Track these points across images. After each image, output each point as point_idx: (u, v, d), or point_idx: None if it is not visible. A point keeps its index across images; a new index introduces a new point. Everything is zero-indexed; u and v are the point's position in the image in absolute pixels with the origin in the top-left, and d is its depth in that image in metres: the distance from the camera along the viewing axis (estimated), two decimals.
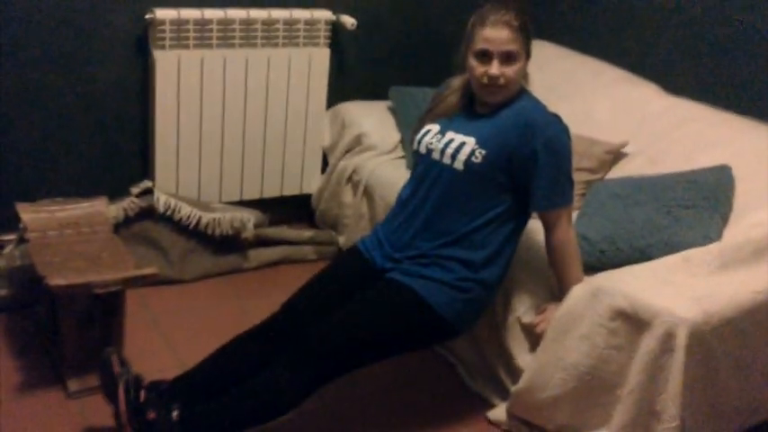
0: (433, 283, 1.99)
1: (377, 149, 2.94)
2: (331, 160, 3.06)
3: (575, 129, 2.67)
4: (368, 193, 2.84)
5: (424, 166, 2.10)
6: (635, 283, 1.90)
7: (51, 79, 2.62)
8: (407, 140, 2.87)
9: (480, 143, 2.00)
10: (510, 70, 1.99)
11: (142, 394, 1.85)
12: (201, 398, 1.92)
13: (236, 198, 2.95)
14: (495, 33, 1.97)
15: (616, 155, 2.59)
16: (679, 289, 1.87)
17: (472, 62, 2.01)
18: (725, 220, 2.18)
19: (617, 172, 2.56)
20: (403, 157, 2.93)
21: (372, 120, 3.02)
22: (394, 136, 2.99)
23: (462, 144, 2.02)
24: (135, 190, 2.65)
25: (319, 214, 3.09)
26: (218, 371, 1.99)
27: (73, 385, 2.09)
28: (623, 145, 2.59)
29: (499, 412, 2.17)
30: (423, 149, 2.10)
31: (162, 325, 2.47)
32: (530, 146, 1.97)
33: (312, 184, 3.10)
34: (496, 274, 2.07)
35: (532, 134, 1.97)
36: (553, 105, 2.89)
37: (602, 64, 2.99)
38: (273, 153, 2.98)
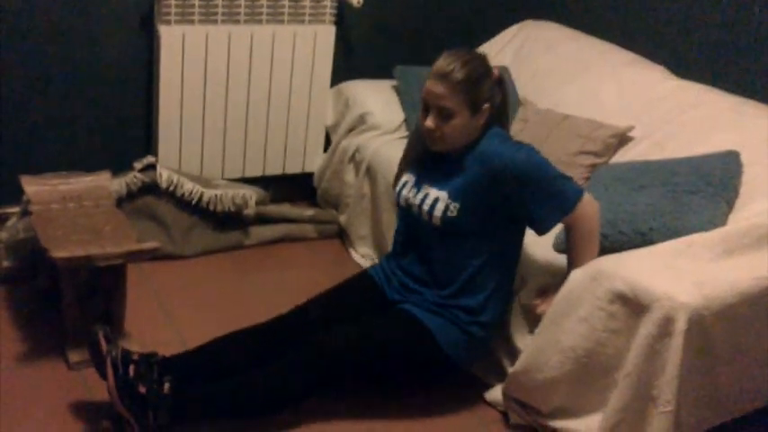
0: (441, 320, 2.05)
1: (380, 129, 2.93)
2: (334, 139, 3.05)
3: (580, 111, 2.69)
4: (370, 173, 2.84)
5: (407, 219, 2.15)
6: (635, 267, 1.89)
7: (56, 54, 2.61)
8: (411, 121, 2.88)
9: (452, 196, 2.00)
10: (447, 126, 1.96)
11: (132, 369, 1.85)
12: (194, 380, 1.93)
13: (239, 175, 2.95)
14: (433, 87, 1.95)
15: (621, 139, 2.57)
16: (680, 274, 1.86)
17: (419, 110, 2.01)
18: (730, 205, 2.16)
19: (622, 156, 2.54)
20: (406, 137, 2.92)
21: (377, 99, 3.01)
22: (398, 116, 2.98)
23: (436, 200, 2.02)
24: (138, 165, 2.65)
25: (321, 193, 3.09)
26: (215, 358, 2.01)
27: (74, 357, 2.11)
28: (629, 129, 2.57)
29: (496, 393, 2.18)
30: (403, 203, 2.13)
31: (163, 299, 2.48)
32: (508, 188, 1.96)
33: (314, 162, 3.09)
34: (497, 313, 2.11)
35: (504, 177, 1.95)
36: (559, 87, 2.91)
37: (610, 46, 2.96)
38: (276, 131, 2.97)
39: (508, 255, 2.12)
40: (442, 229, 2.02)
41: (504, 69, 3.03)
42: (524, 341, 2.12)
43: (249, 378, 1.95)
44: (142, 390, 1.83)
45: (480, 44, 3.24)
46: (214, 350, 2.02)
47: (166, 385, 1.85)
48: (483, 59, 2.01)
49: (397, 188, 2.15)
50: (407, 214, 2.13)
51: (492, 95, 2.01)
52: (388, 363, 2.06)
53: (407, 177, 2.13)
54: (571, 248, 2.04)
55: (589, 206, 2.01)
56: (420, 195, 2.06)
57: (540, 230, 2.03)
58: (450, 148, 2.02)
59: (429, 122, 1.97)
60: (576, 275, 1.96)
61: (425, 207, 2.03)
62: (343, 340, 2.00)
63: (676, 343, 1.77)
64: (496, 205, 2.00)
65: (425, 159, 2.10)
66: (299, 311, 2.12)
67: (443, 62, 1.95)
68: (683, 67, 2.75)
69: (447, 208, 2.00)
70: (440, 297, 2.07)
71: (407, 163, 2.16)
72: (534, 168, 1.96)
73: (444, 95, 1.94)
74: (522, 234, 2.13)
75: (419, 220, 2.07)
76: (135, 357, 1.88)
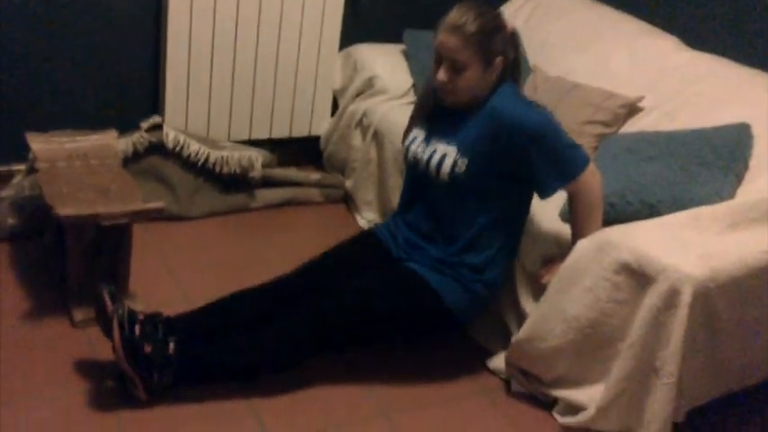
0: (445, 278, 2.04)
1: (388, 94, 2.91)
2: (341, 103, 3.03)
3: (591, 80, 2.66)
4: (377, 138, 2.82)
5: (413, 175, 2.14)
6: (642, 238, 1.89)
7: (62, 10, 2.58)
8: (420, 86, 2.84)
9: (461, 152, 1.98)
10: (459, 79, 1.94)
11: (137, 328, 1.86)
12: (200, 339, 1.94)
13: (245, 137, 2.94)
14: (445, 39, 1.93)
15: (631, 109, 2.54)
16: (687, 246, 1.86)
17: (431, 63, 1.99)
18: (739, 178, 2.15)
19: (632, 126, 2.51)
20: (414, 102, 2.89)
21: (385, 63, 2.98)
22: (406, 80, 2.95)
23: (444, 155, 2.00)
24: (144, 125, 2.64)
25: (327, 157, 3.08)
26: (220, 318, 2.01)
27: (78, 315, 2.11)
28: (639, 99, 2.54)
29: (499, 361, 2.18)
30: (411, 159, 2.11)
31: (168, 260, 2.49)
32: (514, 145, 1.94)
33: (321, 126, 3.08)
34: (501, 273, 2.11)
35: (513, 134, 1.93)
36: (570, 56, 2.88)
37: (622, 15, 2.92)
38: (284, 93, 2.95)
39: (515, 215, 2.10)
40: (449, 186, 2.01)
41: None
42: (531, 307, 2.12)
43: (252, 337, 1.95)
44: (147, 349, 1.84)
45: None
46: (219, 310, 2.02)
47: (171, 345, 1.86)
48: (496, 13, 1.99)
49: (406, 143, 2.13)
50: (415, 170, 2.11)
51: (505, 49, 1.98)
52: (392, 320, 2.05)
53: (417, 133, 2.12)
54: (574, 218, 2.03)
55: (592, 177, 1.99)
56: (429, 150, 2.04)
57: (542, 194, 2.02)
58: (462, 102, 2.00)
59: (441, 75, 1.95)
60: (583, 245, 1.95)
61: (433, 163, 2.02)
62: (346, 298, 2.01)
63: (681, 315, 1.77)
64: (504, 163, 1.98)
65: (436, 115, 2.08)
66: (303, 271, 2.12)
67: (456, 14, 1.93)
68: (695, 38, 2.71)
69: (455, 164, 1.98)
70: (445, 254, 2.06)
71: (417, 118, 2.14)
72: (544, 129, 1.94)
73: (457, 48, 1.91)
74: (529, 196, 2.11)
75: (427, 175, 2.05)
76: (140, 317, 1.88)
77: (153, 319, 1.91)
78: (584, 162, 1.98)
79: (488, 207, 2.03)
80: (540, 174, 1.97)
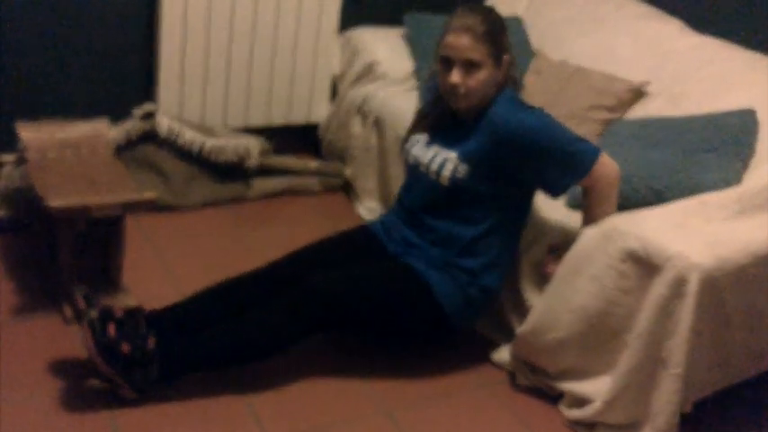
0: (441, 275, 2.02)
1: (388, 79, 2.88)
2: (340, 88, 3.00)
3: (595, 64, 2.64)
4: (377, 125, 2.79)
5: (414, 176, 2.12)
6: (648, 226, 1.87)
7: None
8: (421, 71, 2.81)
9: (462, 158, 1.98)
10: (472, 80, 1.94)
11: (111, 328, 1.81)
12: (185, 331, 1.91)
13: (241, 124, 2.90)
14: (456, 40, 1.93)
15: (636, 94, 2.52)
16: (693, 233, 1.84)
17: (439, 68, 1.99)
18: (745, 164, 2.13)
19: (637, 111, 2.49)
20: (416, 88, 2.85)
21: (385, 47, 2.95)
22: (407, 65, 2.92)
23: (445, 160, 2.00)
24: (138, 112, 2.61)
25: (326, 145, 3.05)
26: (206, 307, 1.98)
27: (69, 311, 2.08)
28: (644, 84, 2.52)
29: (503, 354, 2.16)
30: (412, 161, 2.11)
31: (162, 252, 2.46)
32: (520, 152, 1.93)
33: (320, 113, 3.05)
34: (497, 280, 2.08)
35: (515, 141, 1.92)
36: (574, 40, 2.86)
37: None
38: (281, 79, 2.91)
39: (513, 222, 2.09)
40: (448, 190, 2.01)
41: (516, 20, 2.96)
42: (534, 299, 2.10)
43: (236, 323, 1.92)
44: (125, 348, 1.80)
45: None
46: (205, 300, 1.99)
47: (151, 340, 1.82)
48: (497, 12, 2.03)
49: (407, 146, 2.14)
50: (415, 172, 2.11)
51: (510, 47, 2.01)
52: (382, 312, 2.03)
53: (419, 137, 2.12)
54: (587, 207, 2.01)
55: (605, 167, 1.96)
56: (430, 154, 2.04)
57: (554, 194, 2.02)
58: (471, 105, 1.99)
59: (455, 77, 1.95)
60: (588, 233, 1.94)
61: (434, 166, 2.02)
62: (336, 283, 1.98)
63: (688, 304, 1.76)
64: (506, 170, 1.98)
65: (439, 124, 2.10)
66: (292, 258, 2.09)
67: (463, 16, 1.96)
68: (699, 22, 2.69)
69: (456, 169, 1.98)
70: (441, 255, 2.05)
71: (420, 126, 2.15)
72: (544, 133, 1.94)
73: (470, 47, 1.93)
74: (529, 202, 2.11)
75: (427, 178, 2.05)
76: (118, 315, 1.84)
77: (133, 315, 1.86)
78: (593, 154, 1.96)
79: (487, 213, 2.02)
80: (548, 175, 1.97)
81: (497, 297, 2.16)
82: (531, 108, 1.99)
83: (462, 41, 1.93)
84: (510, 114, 1.95)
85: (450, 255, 2.04)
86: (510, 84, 2.04)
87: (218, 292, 2.01)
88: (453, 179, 1.98)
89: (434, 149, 2.04)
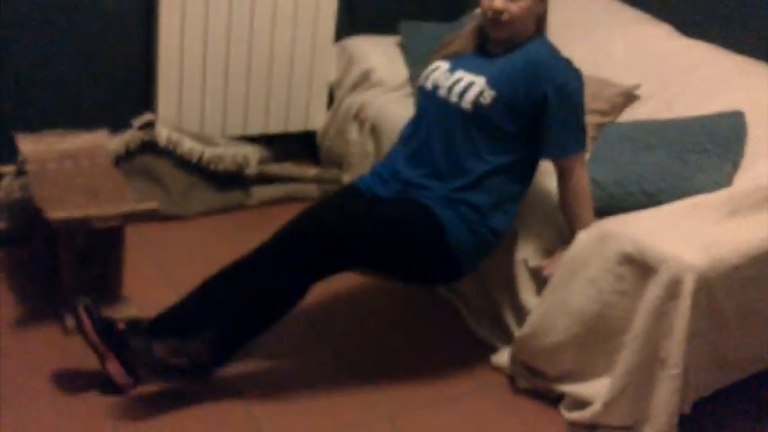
0: (454, 215, 1.96)
1: (385, 86, 2.88)
2: (337, 96, 3.01)
3: (587, 69, 2.62)
4: (374, 131, 2.79)
5: (429, 103, 2.05)
6: (643, 228, 1.89)
7: (53, 6, 2.55)
8: (416, 78, 2.80)
9: (490, 84, 1.95)
10: (515, 6, 1.94)
11: (114, 337, 1.81)
12: (187, 329, 1.87)
13: (240, 132, 2.91)
14: None
15: (628, 97, 2.53)
16: (687, 235, 1.86)
17: None
18: (736, 166, 2.15)
19: (629, 115, 2.51)
20: (412, 94, 2.87)
21: (381, 55, 2.95)
22: (403, 73, 2.92)
23: (471, 83, 1.96)
24: (137, 123, 2.62)
25: (324, 152, 3.05)
26: (207, 298, 1.92)
27: (70, 322, 2.06)
28: (636, 87, 2.54)
29: (502, 357, 2.16)
30: (429, 86, 2.04)
31: (162, 261, 2.46)
32: (540, 90, 1.93)
33: (317, 120, 3.05)
34: (505, 222, 2.05)
35: (543, 78, 1.93)
36: (566, 45, 2.83)
37: (617, 3, 2.92)
38: (279, 87, 2.92)
39: (524, 166, 2.06)
40: (469, 116, 1.96)
41: None
42: (532, 303, 2.10)
43: (243, 297, 1.86)
44: (121, 326, 1.82)
45: None
46: (194, 300, 1.93)
47: (157, 347, 1.80)
48: None
49: (426, 71, 2.08)
50: (431, 100, 2.04)
51: None
52: (391, 246, 1.93)
53: (440, 63, 2.08)
54: (563, 203, 2.04)
55: (581, 165, 2.00)
56: (453, 78, 2.01)
57: (545, 151, 2.02)
58: (512, 35, 1.99)
59: (497, 3, 1.94)
60: (584, 236, 1.95)
61: (457, 89, 1.98)
62: (348, 215, 1.92)
63: (684, 305, 1.77)
64: (525, 107, 1.96)
65: (465, 52, 2.07)
66: (288, 229, 1.95)
67: None
68: (688, 26, 2.71)
69: (481, 93, 1.95)
70: (449, 189, 1.99)
71: (447, 52, 2.10)
72: (571, 92, 1.96)
73: None
74: (534, 168, 2.10)
75: (445, 104, 2.00)
76: (120, 327, 1.84)
77: (135, 326, 1.86)
78: (581, 147, 1.99)
79: (501, 149, 1.99)
80: (547, 133, 1.97)
81: (501, 240, 2.09)
82: (572, 65, 2.00)
83: None
84: (556, 58, 1.98)
85: (459, 187, 1.98)
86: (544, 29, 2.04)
87: (218, 280, 1.93)
88: (477, 103, 1.95)
89: (459, 74, 2.01)
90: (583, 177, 2.01)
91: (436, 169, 2.00)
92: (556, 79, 1.94)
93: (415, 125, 2.09)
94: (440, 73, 2.04)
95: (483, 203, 1.98)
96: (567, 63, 2.00)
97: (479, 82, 1.96)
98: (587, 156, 2.14)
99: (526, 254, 2.14)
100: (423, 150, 2.03)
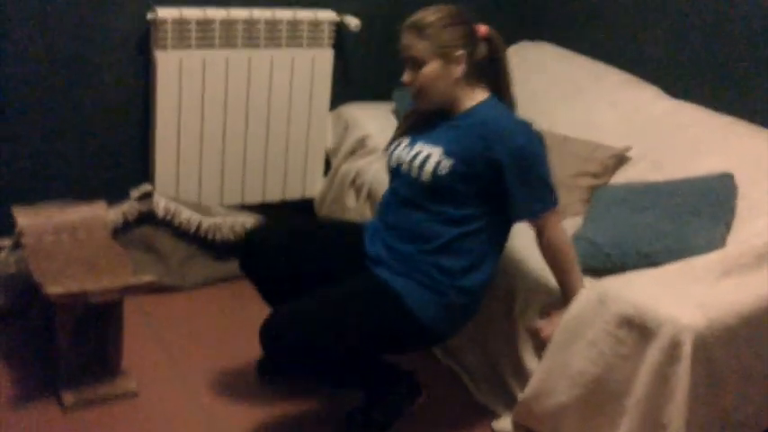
0: (411, 282, 1.96)
1: (380, 152, 2.90)
2: (334, 163, 3.03)
3: (577, 132, 2.70)
4: (371, 198, 2.80)
5: (395, 179, 2.10)
6: (641, 290, 1.89)
7: (51, 79, 2.59)
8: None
9: (446, 153, 1.96)
10: (420, 76, 1.96)
11: None
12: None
13: (238, 201, 2.92)
14: (402, 38, 1.97)
15: (619, 159, 2.57)
16: (684, 297, 1.86)
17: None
18: (728, 226, 2.18)
19: (621, 176, 2.54)
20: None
21: (376, 122, 2.98)
22: None
23: (429, 155, 1.98)
24: (135, 193, 2.63)
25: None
26: None
27: (68, 398, 2.04)
28: (626, 149, 2.57)
29: (504, 423, 2.14)
30: (393, 163, 2.09)
31: (161, 333, 2.44)
32: (493, 157, 1.93)
33: (315, 187, 3.07)
34: (479, 281, 2.03)
35: (494, 143, 1.93)
36: (554, 108, 2.91)
37: (603, 66, 2.97)
38: (276, 156, 2.95)
39: (497, 227, 2.05)
40: (431, 187, 1.97)
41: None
42: (533, 365, 2.09)
43: None
44: None
45: None
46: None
47: None
48: (459, 10, 1.99)
49: (390, 149, 2.12)
50: (397, 175, 2.08)
51: (467, 44, 1.97)
52: (360, 334, 1.92)
53: (401, 140, 2.11)
54: (548, 262, 2.03)
55: (554, 221, 1.99)
56: (413, 152, 2.02)
57: (514, 215, 2.01)
58: (433, 103, 2.01)
59: (405, 77, 1.98)
60: (583, 297, 1.94)
61: (416, 163, 1.99)
62: (305, 325, 1.89)
63: (684, 368, 1.76)
64: (484, 172, 1.95)
65: (423, 124, 2.09)
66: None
67: (413, 16, 1.96)
68: (675, 88, 2.75)
69: (438, 164, 1.95)
70: (418, 252, 1.99)
71: (403, 129, 2.14)
72: (527, 155, 1.94)
73: (411, 44, 1.95)
74: (509, 222, 2.08)
75: (408, 177, 2.02)
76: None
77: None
78: (550, 204, 1.98)
79: (470, 213, 1.99)
80: (511, 197, 1.96)
81: (479, 299, 2.07)
82: (523, 122, 1.99)
83: (404, 40, 1.95)
84: (506, 120, 1.98)
85: (429, 250, 1.98)
86: (495, 93, 2.03)
87: None
88: (436, 175, 1.95)
89: (417, 147, 2.02)
90: (558, 233, 1.99)
91: (408, 237, 2.02)
92: (507, 144, 1.92)
93: (388, 198, 2.13)
94: (401, 148, 2.07)
95: (453, 266, 1.98)
96: (519, 125, 1.99)
97: (436, 152, 1.97)
98: (579, 217, 2.14)
99: (526, 315, 2.14)
100: (396, 219, 2.05)
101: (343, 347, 1.89)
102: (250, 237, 2.22)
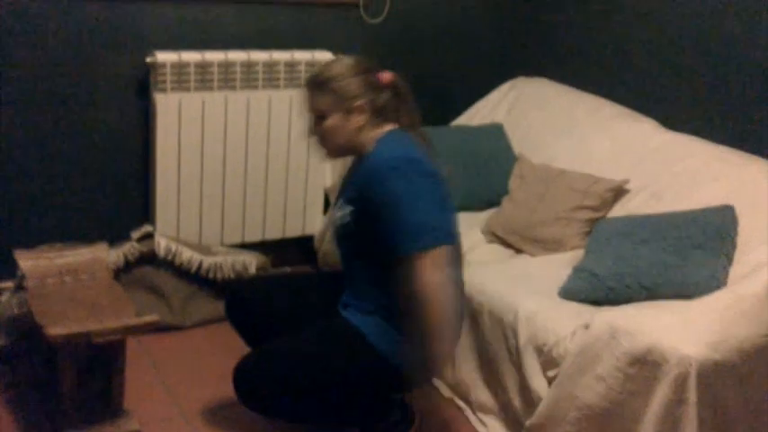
0: (377, 319, 1.96)
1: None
2: (333, 200, 3.04)
3: (574, 166, 2.72)
4: None
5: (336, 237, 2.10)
6: (652, 327, 1.88)
7: (51, 123, 2.61)
8: None
9: (347, 201, 1.98)
10: (320, 129, 1.97)
11: None
12: None
13: (238, 240, 2.93)
14: (304, 94, 2.00)
15: (618, 192, 2.58)
16: (691, 333, 1.85)
17: None
18: (729, 259, 2.17)
19: (620, 209, 2.55)
20: None
21: None
22: None
23: (342, 208, 2.00)
24: (135, 234, 2.63)
25: (322, 256, 3.06)
26: None
27: None
28: (624, 182, 2.59)
29: None
30: (331, 226, 2.12)
31: (163, 372, 2.43)
32: (371, 199, 1.88)
33: (314, 225, 3.07)
34: (384, 342, 1.95)
35: (372, 184, 1.87)
36: (551, 142, 2.93)
37: (600, 100, 2.99)
38: (275, 195, 2.96)
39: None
40: (345, 236, 1.99)
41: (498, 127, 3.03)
42: (540, 388, 2.06)
43: None
44: None
45: (473, 102, 3.27)
46: None
47: None
48: (357, 61, 1.97)
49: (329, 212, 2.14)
50: (334, 235, 2.09)
51: (366, 93, 1.94)
52: (324, 370, 1.94)
53: (337, 200, 2.11)
54: (412, 321, 1.79)
55: (426, 266, 1.76)
56: (337, 210, 2.04)
57: (384, 257, 1.84)
58: (339, 153, 2.03)
59: (308, 130, 2.01)
60: (595, 329, 1.93)
61: (337, 222, 2.01)
62: (275, 373, 1.95)
63: (691, 404, 1.77)
64: (378, 213, 1.86)
65: (348, 179, 2.11)
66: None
67: (316, 70, 1.99)
68: (672, 120, 2.77)
69: (344, 215, 1.97)
70: (377, 293, 1.98)
71: (339, 191, 2.15)
72: (390, 198, 1.82)
73: (310, 98, 1.97)
74: None
75: (336, 236, 2.04)
76: None
77: None
78: (422, 246, 1.76)
79: (366, 264, 1.99)
80: (380, 230, 1.84)
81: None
82: (400, 165, 1.84)
83: (305, 94, 1.98)
84: (383, 166, 1.86)
85: (385, 293, 1.92)
86: (400, 128, 1.97)
87: None
88: (344, 225, 1.97)
89: (339, 203, 2.03)
90: (429, 278, 1.75)
91: (355, 288, 2.04)
92: (377, 189, 1.85)
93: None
94: (333, 210, 2.09)
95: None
96: (394, 166, 1.84)
97: (346, 206, 1.98)
98: (580, 250, 2.11)
99: (529, 337, 2.12)
100: (351, 274, 2.07)
101: (308, 383, 1.92)
102: (232, 287, 2.28)
